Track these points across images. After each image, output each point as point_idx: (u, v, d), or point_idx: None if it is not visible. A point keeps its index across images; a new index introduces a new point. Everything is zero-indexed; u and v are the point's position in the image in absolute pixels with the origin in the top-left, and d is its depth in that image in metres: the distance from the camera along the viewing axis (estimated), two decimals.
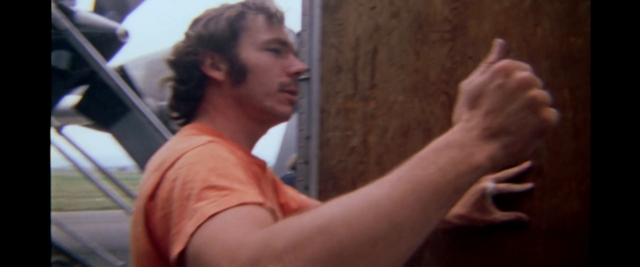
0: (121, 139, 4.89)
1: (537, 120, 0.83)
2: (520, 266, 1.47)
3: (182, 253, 0.86)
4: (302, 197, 1.56)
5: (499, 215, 1.46)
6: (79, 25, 5.12)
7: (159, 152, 1.18)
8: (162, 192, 1.02)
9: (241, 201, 0.88)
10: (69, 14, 5.06)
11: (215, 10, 1.35)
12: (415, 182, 0.75)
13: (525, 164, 1.46)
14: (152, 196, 1.05)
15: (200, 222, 0.85)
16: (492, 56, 1.00)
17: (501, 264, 1.49)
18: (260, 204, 0.91)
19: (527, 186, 1.45)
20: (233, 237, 0.78)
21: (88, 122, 7.40)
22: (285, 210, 1.45)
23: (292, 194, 1.53)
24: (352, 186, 1.78)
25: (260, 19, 1.32)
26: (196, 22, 1.36)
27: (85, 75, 5.31)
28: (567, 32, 1.42)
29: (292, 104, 1.36)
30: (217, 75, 1.30)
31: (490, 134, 0.82)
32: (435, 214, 0.76)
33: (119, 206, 7.78)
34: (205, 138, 1.13)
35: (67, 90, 5.66)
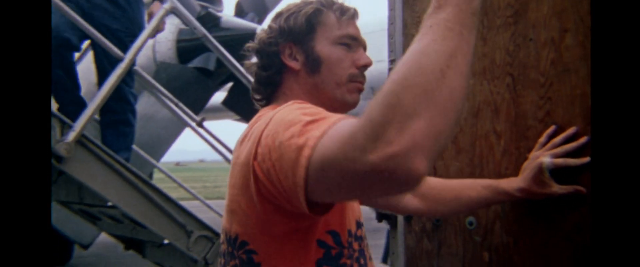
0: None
1: None
2: (579, 239, 1.53)
3: (306, 180, 0.98)
4: None
5: (557, 188, 1.54)
6: (223, 28, 5.72)
7: (245, 130, 1.43)
8: (264, 148, 1.11)
9: (336, 119, 1.03)
10: (215, 19, 5.68)
11: (295, 5, 1.50)
12: (441, 22, 0.92)
13: (583, 139, 1.52)
14: (255, 156, 1.14)
15: (312, 145, 0.97)
16: None
17: (562, 236, 1.57)
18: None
19: (584, 159, 1.51)
20: (344, 133, 0.90)
21: (237, 117, 8.03)
22: None
23: None
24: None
25: (334, 16, 1.48)
26: (278, 16, 1.52)
27: (231, 74, 5.93)
28: (550, 40, 1.46)
29: (360, 92, 1.56)
30: (294, 64, 1.45)
31: None
32: (468, 36, 0.93)
33: None
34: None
35: (216, 88, 6.32)
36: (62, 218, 5.54)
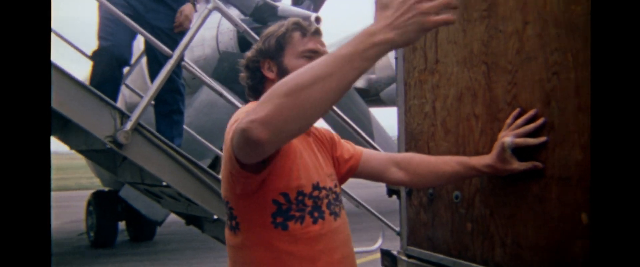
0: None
1: (422, 23, 1.30)
2: (541, 208, 1.73)
3: (233, 146, 1.53)
4: (356, 149, 2.03)
5: (517, 164, 1.75)
6: (280, 17, 6.04)
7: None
8: (230, 128, 1.65)
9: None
10: (272, 8, 6.01)
11: (271, 29, 1.93)
12: (335, 54, 1.32)
13: (540, 121, 1.72)
14: (228, 132, 1.67)
15: (238, 123, 1.45)
16: None
17: (527, 206, 1.77)
18: None
19: (542, 139, 1.71)
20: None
21: None
22: (340, 160, 1.96)
23: (348, 148, 2.01)
24: (426, 146, 2.16)
25: (298, 35, 1.88)
26: (261, 38, 1.96)
27: None
28: (569, 1, 1.64)
29: None
30: (271, 75, 1.89)
31: (390, 27, 1.30)
32: (350, 71, 1.31)
33: None
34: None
35: None
36: (137, 197, 6.10)
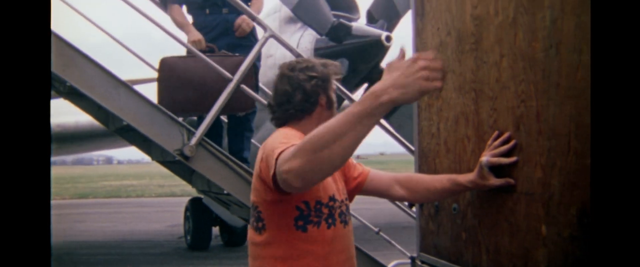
0: (398, 128, 5.94)
1: (423, 86, 1.59)
2: (513, 219, 1.99)
3: (274, 174, 1.83)
4: (364, 169, 2.35)
5: (493, 180, 2.02)
6: (355, 36, 6.40)
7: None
8: (264, 155, 2.01)
9: (291, 144, 1.83)
10: (347, 28, 6.36)
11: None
12: (349, 113, 1.62)
13: (512, 143, 1.97)
14: (262, 160, 2.04)
15: (276, 156, 1.82)
16: (398, 56, 1.71)
17: (504, 218, 2.03)
18: None
19: (513, 159, 1.97)
20: (286, 153, 1.76)
21: None
22: (350, 178, 2.30)
23: (357, 167, 2.35)
24: (433, 162, 2.45)
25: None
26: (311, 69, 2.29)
27: (365, 76, 6.56)
28: (531, 38, 1.89)
29: None
30: (322, 103, 2.24)
31: (394, 86, 1.58)
32: (362, 128, 1.61)
33: None
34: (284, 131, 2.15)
35: (350, 91, 6.98)
36: (220, 207, 6.64)
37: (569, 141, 1.75)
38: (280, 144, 1.91)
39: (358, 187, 2.34)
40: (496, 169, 2.03)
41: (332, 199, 2.12)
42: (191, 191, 11.02)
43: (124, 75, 4.05)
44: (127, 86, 3.76)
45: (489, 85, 2.09)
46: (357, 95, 7.59)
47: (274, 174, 1.84)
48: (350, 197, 2.33)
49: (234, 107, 4.09)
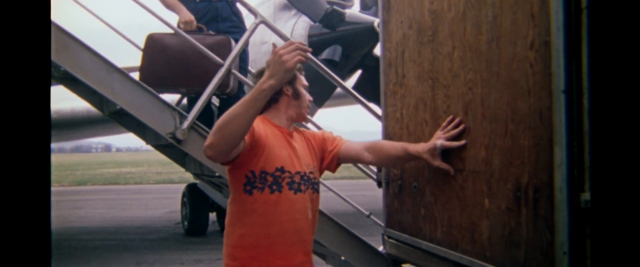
0: None
1: (285, 65, 2.14)
2: (462, 195, 2.24)
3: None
4: (340, 141, 2.66)
5: (438, 162, 2.29)
6: (348, 22, 6.63)
7: None
8: None
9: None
10: (340, 15, 6.59)
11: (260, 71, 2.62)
12: (242, 100, 2.18)
13: (462, 126, 2.23)
14: None
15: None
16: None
17: (455, 194, 2.28)
18: None
19: (462, 142, 2.22)
20: None
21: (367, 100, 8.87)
22: (328, 151, 2.64)
23: (334, 141, 2.66)
24: (399, 139, 2.71)
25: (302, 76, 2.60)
26: None
27: (359, 61, 6.80)
28: (477, 31, 2.14)
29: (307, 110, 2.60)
30: (288, 93, 2.57)
31: (270, 76, 2.15)
32: (252, 108, 2.18)
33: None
34: None
35: (342, 77, 7.22)
36: (216, 192, 6.89)
37: (506, 124, 2.00)
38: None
39: (335, 158, 2.65)
40: (446, 150, 2.28)
41: (279, 169, 2.49)
42: (188, 177, 11.25)
43: (119, 63, 4.27)
44: (120, 71, 3.90)
45: (443, 74, 2.34)
46: (351, 81, 7.83)
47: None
48: (332, 167, 2.68)
49: (221, 89, 4.31)
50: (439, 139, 2.29)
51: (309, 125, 5.17)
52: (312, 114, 7.15)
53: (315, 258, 4.36)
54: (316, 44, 7.20)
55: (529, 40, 1.89)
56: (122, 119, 4.68)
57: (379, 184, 2.95)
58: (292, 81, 2.56)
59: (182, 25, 4.48)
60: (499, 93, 2.04)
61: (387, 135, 2.81)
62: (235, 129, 2.20)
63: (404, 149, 2.47)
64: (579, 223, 1.76)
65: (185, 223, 11.53)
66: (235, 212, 2.56)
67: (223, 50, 4.21)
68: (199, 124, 4.00)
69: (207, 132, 4.04)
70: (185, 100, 5.31)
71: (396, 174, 2.74)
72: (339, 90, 8.44)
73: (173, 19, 4.86)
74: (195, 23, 4.51)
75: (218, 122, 2.23)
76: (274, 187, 2.48)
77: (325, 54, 7.04)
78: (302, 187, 2.53)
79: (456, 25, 2.25)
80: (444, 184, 2.35)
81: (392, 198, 2.78)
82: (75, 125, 13.00)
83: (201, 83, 4.06)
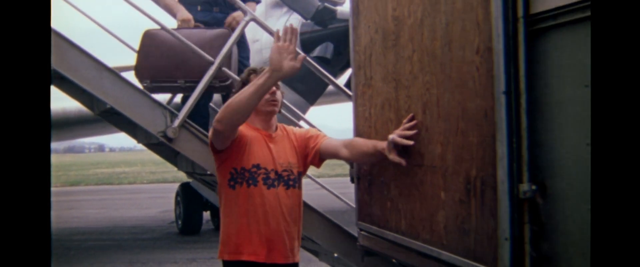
0: None
1: (285, 63, 2.50)
2: (422, 189, 2.47)
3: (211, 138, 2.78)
4: (321, 139, 2.93)
5: (393, 156, 2.52)
6: (340, 20, 6.86)
7: None
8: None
9: None
10: (331, 12, 6.82)
11: (248, 70, 2.92)
12: (252, 84, 2.61)
13: (414, 122, 2.46)
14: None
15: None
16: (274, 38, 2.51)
17: (416, 188, 2.51)
18: None
19: (410, 142, 2.45)
20: None
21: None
22: (311, 149, 2.90)
23: (317, 139, 2.93)
24: (367, 137, 2.93)
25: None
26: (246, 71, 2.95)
27: (349, 59, 7.05)
28: (433, 37, 2.37)
29: (274, 107, 2.85)
30: None
31: (272, 68, 2.53)
32: (256, 93, 2.58)
33: None
34: None
35: (334, 74, 7.41)
36: (209, 191, 7.08)
37: (458, 123, 2.23)
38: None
39: (316, 154, 2.94)
40: (408, 146, 2.51)
41: (255, 166, 2.81)
42: (182, 177, 11.42)
43: (111, 63, 4.41)
44: (110, 70, 4.01)
45: (404, 76, 2.57)
46: (343, 78, 8.03)
47: (210, 141, 2.75)
48: (315, 162, 2.97)
49: (214, 88, 4.47)
50: (393, 134, 2.53)
51: (301, 122, 5.40)
52: (304, 112, 7.37)
53: (308, 255, 4.58)
54: (308, 42, 7.41)
55: (475, 45, 2.12)
56: (113, 118, 4.77)
57: (352, 180, 3.18)
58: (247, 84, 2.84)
59: (179, 24, 4.67)
60: (451, 94, 2.26)
61: (358, 133, 3.04)
62: (244, 105, 2.55)
63: (374, 146, 2.71)
64: (519, 211, 1.99)
65: (179, 222, 11.70)
66: (223, 204, 2.91)
67: (224, 43, 4.32)
68: (190, 122, 4.16)
69: (199, 131, 4.24)
70: (177, 99, 5.49)
71: (366, 170, 2.98)
72: (331, 87, 8.67)
73: (164, 16, 5.06)
74: (192, 22, 4.70)
75: (228, 101, 2.59)
76: (250, 181, 2.80)
77: (316, 52, 7.23)
78: (276, 184, 2.82)
79: (415, 31, 2.48)
80: (407, 179, 2.58)
81: (363, 193, 3.01)
82: (67, 125, 13.19)
83: (198, 75, 4.18)
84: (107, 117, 4.86)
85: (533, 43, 1.95)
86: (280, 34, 2.56)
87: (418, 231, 2.50)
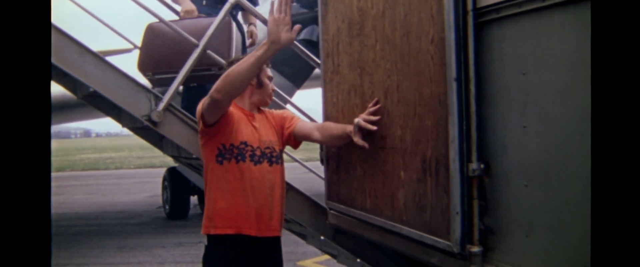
0: None
1: (282, 34, 2.70)
2: (384, 169, 2.67)
3: (202, 111, 2.89)
4: (295, 121, 3.11)
5: (357, 139, 2.71)
6: None
7: None
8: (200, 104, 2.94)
9: None
10: None
11: (230, 61, 3.06)
12: (251, 56, 2.74)
13: (378, 106, 2.65)
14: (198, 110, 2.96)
15: (202, 102, 2.89)
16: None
17: (379, 168, 2.71)
18: None
19: (374, 128, 2.64)
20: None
21: None
22: (286, 130, 3.08)
23: (292, 121, 3.11)
24: (335, 121, 3.12)
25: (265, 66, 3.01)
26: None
27: None
28: (393, 28, 2.56)
29: (271, 100, 3.01)
30: (253, 83, 3.02)
31: (270, 40, 2.70)
32: (256, 64, 2.73)
33: None
34: None
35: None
36: (196, 175, 7.19)
37: (415, 107, 2.43)
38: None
39: (291, 135, 3.12)
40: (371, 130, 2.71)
41: (243, 143, 2.96)
42: (170, 161, 11.52)
43: (96, 47, 4.46)
44: (93, 53, 3.99)
45: (368, 64, 2.76)
46: None
47: (201, 113, 2.88)
48: (291, 142, 3.18)
49: (205, 79, 4.57)
50: (358, 118, 2.72)
51: (288, 105, 5.54)
52: (290, 95, 7.53)
53: (295, 238, 4.75)
54: (294, 24, 7.53)
55: (430, 36, 2.31)
56: (96, 102, 4.72)
57: (322, 161, 3.38)
58: (258, 72, 2.98)
59: (182, 15, 4.80)
60: (410, 81, 2.46)
61: (327, 118, 3.23)
62: (242, 76, 2.71)
63: (343, 129, 2.88)
64: (468, 188, 2.20)
65: (167, 207, 11.83)
66: (209, 181, 3.04)
67: (225, 31, 4.43)
68: (175, 105, 4.27)
69: (184, 114, 4.33)
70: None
71: (334, 152, 3.17)
72: (317, 71, 8.81)
73: (162, 9, 5.17)
74: (196, 12, 4.82)
75: (226, 72, 2.74)
76: (239, 158, 2.97)
77: (303, 35, 7.35)
78: (261, 160, 3.00)
79: (377, 22, 2.66)
80: (371, 159, 2.78)
81: (331, 173, 3.22)
82: (52, 109, 13.24)
83: (199, 63, 4.23)
84: (90, 101, 4.80)
85: (480, 34, 2.14)
86: (276, 6, 2.71)
87: (381, 208, 2.71)
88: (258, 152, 2.98)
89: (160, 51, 4.47)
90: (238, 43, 4.94)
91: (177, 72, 4.38)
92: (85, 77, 3.97)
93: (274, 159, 3.03)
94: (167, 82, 4.68)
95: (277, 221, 3.03)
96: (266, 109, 3.19)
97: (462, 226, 2.19)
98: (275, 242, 3.04)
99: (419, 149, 2.41)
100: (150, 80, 4.53)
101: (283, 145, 3.16)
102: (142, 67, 4.40)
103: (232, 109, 2.94)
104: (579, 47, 1.73)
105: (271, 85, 3.08)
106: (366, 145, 2.68)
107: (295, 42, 4.76)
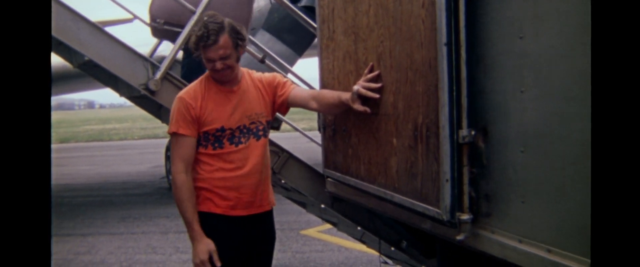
0: None
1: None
2: (378, 136, 2.70)
3: None
4: (289, 88, 3.11)
5: (357, 105, 2.72)
6: None
7: None
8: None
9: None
10: None
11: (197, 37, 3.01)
12: (185, 205, 3.04)
13: (376, 74, 2.67)
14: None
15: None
16: None
17: (373, 135, 2.74)
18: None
19: (376, 95, 2.66)
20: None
21: None
22: (278, 96, 3.09)
23: (284, 87, 3.11)
24: (331, 89, 3.16)
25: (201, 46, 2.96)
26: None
27: None
28: (365, 10, 2.57)
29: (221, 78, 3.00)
30: None
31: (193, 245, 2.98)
32: (181, 213, 3.03)
33: None
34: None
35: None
36: None
37: (407, 73, 2.45)
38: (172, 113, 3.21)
39: (283, 103, 3.12)
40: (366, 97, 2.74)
41: (219, 130, 3.03)
42: None
43: (95, 18, 4.45)
44: (87, 21, 3.96)
45: (362, 30, 2.78)
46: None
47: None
48: (281, 110, 3.18)
49: None
50: (357, 85, 2.74)
51: (289, 75, 5.53)
52: (292, 64, 7.53)
53: (295, 207, 4.81)
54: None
55: (421, 0, 2.33)
56: (93, 71, 4.71)
57: (319, 129, 3.42)
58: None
59: None
60: (402, 46, 2.48)
61: (323, 85, 3.26)
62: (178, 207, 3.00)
63: (339, 97, 2.89)
64: (458, 155, 2.22)
65: (170, 177, 11.96)
66: (198, 159, 3.10)
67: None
68: (172, 74, 4.28)
69: (182, 82, 4.31)
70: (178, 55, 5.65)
71: (330, 120, 3.21)
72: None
73: None
74: None
75: (176, 191, 3.01)
76: (216, 144, 3.03)
77: (304, 1, 7.33)
78: (242, 140, 3.02)
79: None
80: (365, 127, 2.82)
81: (328, 141, 3.25)
82: (52, 79, 13.29)
83: None
84: (87, 69, 4.80)
85: None
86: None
87: (375, 175, 2.75)
88: (237, 133, 3.03)
89: (169, 6, 4.41)
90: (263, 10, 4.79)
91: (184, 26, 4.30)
92: (80, 46, 3.94)
93: (260, 133, 3.08)
94: (172, 36, 4.60)
95: (268, 194, 3.12)
96: (255, 74, 3.17)
97: (452, 194, 2.22)
98: (267, 215, 3.14)
99: (411, 116, 2.44)
100: (157, 29, 4.47)
101: (273, 114, 3.17)
102: (156, 10, 4.34)
103: (204, 94, 3.03)
104: (578, 8, 1.72)
105: (217, 64, 2.97)
106: (368, 110, 2.70)
107: (295, 9, 4.75)
